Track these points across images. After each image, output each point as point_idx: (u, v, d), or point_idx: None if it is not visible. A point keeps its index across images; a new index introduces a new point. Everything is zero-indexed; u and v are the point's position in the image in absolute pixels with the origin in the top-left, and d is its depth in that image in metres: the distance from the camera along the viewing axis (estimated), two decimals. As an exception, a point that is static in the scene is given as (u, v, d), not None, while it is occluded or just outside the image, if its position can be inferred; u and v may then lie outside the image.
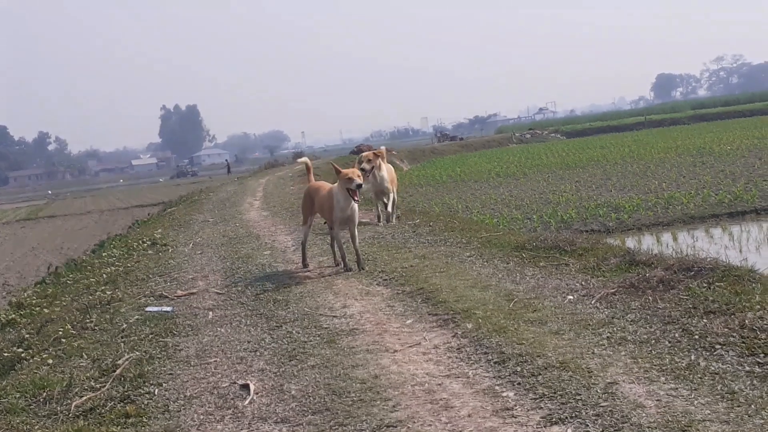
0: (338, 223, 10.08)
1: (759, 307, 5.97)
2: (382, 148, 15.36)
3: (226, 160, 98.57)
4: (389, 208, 14.43)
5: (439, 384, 5.46)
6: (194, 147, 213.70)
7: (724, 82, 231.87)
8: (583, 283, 7.90)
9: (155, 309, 9.10)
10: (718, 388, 4.73)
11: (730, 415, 4.35)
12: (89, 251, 18.70)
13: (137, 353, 7.15)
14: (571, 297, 7.38)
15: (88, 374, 6.71)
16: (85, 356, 7.35)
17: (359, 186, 9.77)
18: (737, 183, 19.26)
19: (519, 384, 5.23)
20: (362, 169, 10.79)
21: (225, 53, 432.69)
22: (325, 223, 10.67)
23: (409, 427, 4.79)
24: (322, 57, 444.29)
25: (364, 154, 12.76)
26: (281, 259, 11.82)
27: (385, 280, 9.26)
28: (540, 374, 5.32)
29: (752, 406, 4.41)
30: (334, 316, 7.77)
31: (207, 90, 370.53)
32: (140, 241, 15.54)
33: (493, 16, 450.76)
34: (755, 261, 9.64)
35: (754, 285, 6.70)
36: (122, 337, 7.89)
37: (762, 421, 4.24)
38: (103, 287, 10.82)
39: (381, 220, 14.51)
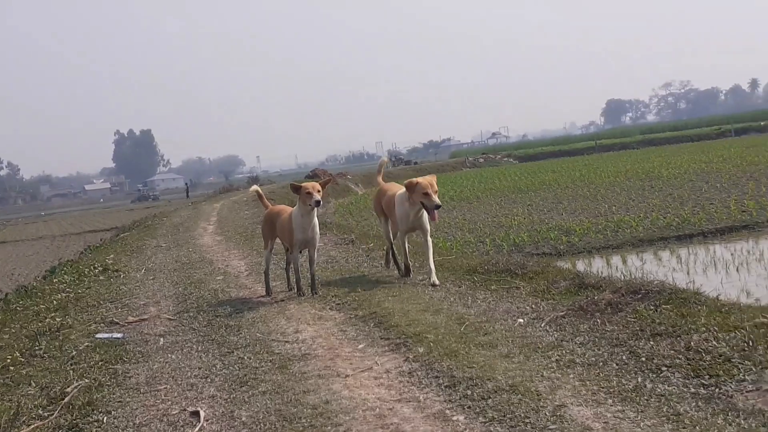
0: (298, 245, 10.06)
1: (704, 329, 6.08)
2: (384, 158, 13.98)
3: (186, 183, 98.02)
4: (431, 258, 10.24)
5: (390, 408, 5.47)
6: (148, 172, 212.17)
7: (672, 108, 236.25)
8: (533, 306, 7.99)
9: (105, 336, 9.00)
10: (664, 410, 4.81)
11: (675, 436, 4.43)
12: (40, 277, 18.42)
13: (86, 381, 7.05)
14: (521, 320, 7.46)
15: (36, 402, 6.60)
16: (34, 384, 7.23)
17: (318, 203, 9.69)
18: (685, 206, 19.58)
19: (469, 408, 5.26)
20: (318, 201, 9.69)
21: (180, 77, 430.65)
22: (287, 250, 10.53)
23: (360, 451, 4.79)
24: (277, 81, 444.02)
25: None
26: (234, 284, 11.77)
27: (338, 304, 9.27)
28: (490, 397, 5.36)
29: (697, 428, 4.49)
30: (287, 342, 7.75)
31: (162, 114, 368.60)
32: (92, 267, 15.37)
33: (446, 42, 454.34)
34: (702, 283, 9.81)
35: (699, 307, 6.82)
36: (71, 365, 7.78)
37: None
38: (53, 314, 10.69)
39: (402, 269, 10.84)
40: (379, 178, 11.77)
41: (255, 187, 12.07)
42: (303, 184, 9.93)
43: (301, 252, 10.26)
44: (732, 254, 13.62)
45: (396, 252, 11.15)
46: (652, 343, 6.07)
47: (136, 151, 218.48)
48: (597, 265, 13.72)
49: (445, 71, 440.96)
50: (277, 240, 10.66)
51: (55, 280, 14.85)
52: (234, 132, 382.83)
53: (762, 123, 79.83)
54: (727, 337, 5.78)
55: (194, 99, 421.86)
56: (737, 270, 12.37)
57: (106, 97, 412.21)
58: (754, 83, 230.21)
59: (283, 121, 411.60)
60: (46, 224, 66.59)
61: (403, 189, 10.08)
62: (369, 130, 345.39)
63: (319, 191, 9.71)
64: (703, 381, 5.17)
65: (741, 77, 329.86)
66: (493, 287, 9.24)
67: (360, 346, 7.26)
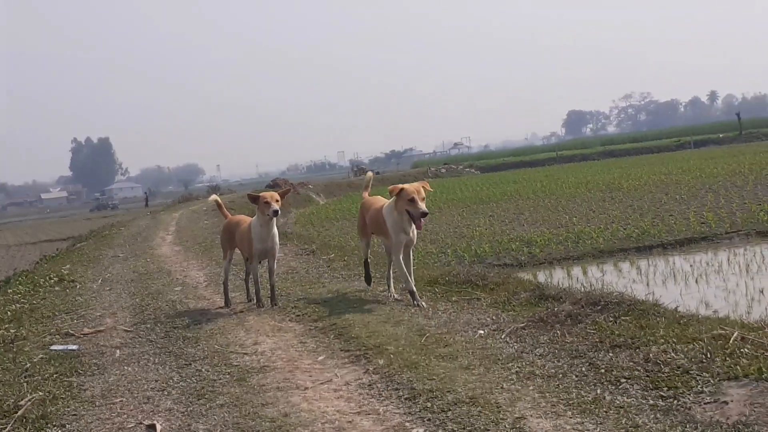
0: (257, 256, 9.96)
1: (663, 341, 6.10)
2: (370, 172, 12.28)
3: (145, 192, 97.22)
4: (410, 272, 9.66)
5: (350, 421, 5.42)
6: (106, 180, 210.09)
7: (633, 119, 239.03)
8: (493, 317, 7.98)
9: (60, 347, 8.84)
10: (623, 421, 4.80)
11: (634, 449, 4.42)
12: (-7, 288, 18.11)
13: (40, 393, 6.90)
14: (482, 332, 7.44)
15: (-13, 416, 6.46)
16: (-15, 397, 7.08)
17: (276, 212, 9.57)
18: (645, 218, 19.75)
19: (429, 420, 5.22)
20: (276, 211, 9.53)
21: (139, 84, 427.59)
22: (247, 259, 10.40)
23: (318, 466, 4.73)
24: (238, 89, 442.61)
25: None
26: (192, 295, 11.64)
27: (298, 315, 9.20)
28: (450, 410, 5.33)
29: (654, 439, 4.49)
30: (245, 354, 7.66)
31: (120, 122, 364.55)
32: (47, 278, 15.12)
33: (408, 52, 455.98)
34: (661, 295, 9.88)
35: (658, 319, 6.86)
36: (25, 377, 7.61)
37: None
38: (6, 325, 10.46)
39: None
40: (365, 194, 10.63)
41: (214, 196, 11.94)
42: (261, 194, 9.84)
43: (260, 262, 10.17)
44: (691, 266, 13.76)
45: (398, 274, 9.60)
46: (611, 354, 6.08)
47: (93, 160, 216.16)
48: (558, 276, 13.78)
49: (407, 81, 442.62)
50: (237, 250, 10.56)
51: (9, 291, 14.58)
52: (194, 140, 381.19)
53: (721, 135, 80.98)
54: (686, 349, 5.81)
55: (153, 107, 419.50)
56: (696, 281, 12.49)
57: (64, 104, 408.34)
58: (713, 96, 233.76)
59: (244, 130, 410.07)
60: (1, 233, 65.63)
61: (389, 201, 9.38)
62: (331, 139, 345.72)
63: (277, 201, 9.61)
64: (661, 393, 5.18)
65: (700, 90, 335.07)
66: (454, 299, 9.23)
67: (320, 358, 7.20)
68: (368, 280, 10.49)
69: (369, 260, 10.53)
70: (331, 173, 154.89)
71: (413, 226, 9.11)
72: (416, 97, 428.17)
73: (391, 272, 10.15)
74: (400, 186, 9.11)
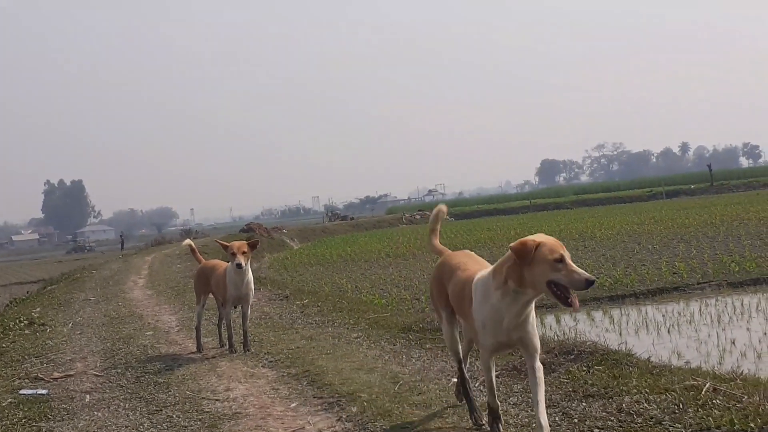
0: (231, 301, 9.92)
1: (636, 390, 6.12)
2: (442, 206, 6.87)
3: (121, 235, 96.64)
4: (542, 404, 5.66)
5: (322, 470, 5.37)
6: (79, 222, 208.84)
7: (605, 169, 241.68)
8: (467, 366, 7.95)
9: (30, 392, 8.72)
10: (597, 472, 4.80)
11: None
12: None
13: (7, 439, 6.82)
14: (455, 379, 7.42)
15: (-48, 462, 6.35)
16: (-50, 443, 6.96)
17: (239, 266, 9.51)
18: (617, 267, 19.85)
19: (402, 469, 5.19)
20: (239, 264, 9.45)
21: (112, 127, 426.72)
22: (221, 305, 10.31)
23: None
24: (211, 133, 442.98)
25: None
26: (164, 340, 11.55)
27: (271, 361, 9.15)
28: (423, 459, 5.30)
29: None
30: (217, 400, 7.59)
31: (93, 164, 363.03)
32: (17, 320, 14.93)
33: (381, 97, 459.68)
34: (633, 344, 9.91)
35: (631, 369, 6.87)
36: (-8, 422, 7.51)
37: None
38: (-26, 369, 10.33)
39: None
40: (436, 241, 6.75)
41: (188, 240, 11.90)
42: (229, 244, 9.82)
43: (234, 307, 10.12)
44: (663, 315, 13.81)
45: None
46: (584, 404, 6.09)
47: (66, 202, 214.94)
48: (531, 325, 13.78)
49: (383, 127, 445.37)
50: (210, 295, 10.52)
51: (-22, 333, 14.39)
52: (167, 184, 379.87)
53: (692, 186, 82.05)
54: (658, 400, 5.82)
55: (127, 150, 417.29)
56: (668, 331, 12.53)
57: (36, 146, 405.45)
58: (684, 147, 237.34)
59: (218, 174, 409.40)
60: (-29, 275, 64.82)
61: (488, 269, 5.52)
62: (305, 184, 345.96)
63: (244, 253, 9.57)
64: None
65: (672, 141, 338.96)
66: (428, 346, 9.21)
67: (292, 405, 7.14)
68: (465, 393, 6.30)
69: (462, 357, 6.47)
70: (306, 218, 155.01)
71: (532, 317, 5.52)
72: (391, 143, 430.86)
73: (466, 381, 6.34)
74: (537, 238, 5.16)
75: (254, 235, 45.63)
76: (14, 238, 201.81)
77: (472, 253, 6.35)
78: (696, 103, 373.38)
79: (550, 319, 14.50)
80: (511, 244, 5.11)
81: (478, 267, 5.78)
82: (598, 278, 17.87)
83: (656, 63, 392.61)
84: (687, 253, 21.45)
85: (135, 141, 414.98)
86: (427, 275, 21.55)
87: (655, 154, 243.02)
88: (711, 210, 39.78)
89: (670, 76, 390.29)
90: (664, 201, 68.73)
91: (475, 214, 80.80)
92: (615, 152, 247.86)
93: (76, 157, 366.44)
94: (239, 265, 9.50)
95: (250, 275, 9.87)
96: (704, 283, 16.72)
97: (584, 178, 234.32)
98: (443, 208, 6.77)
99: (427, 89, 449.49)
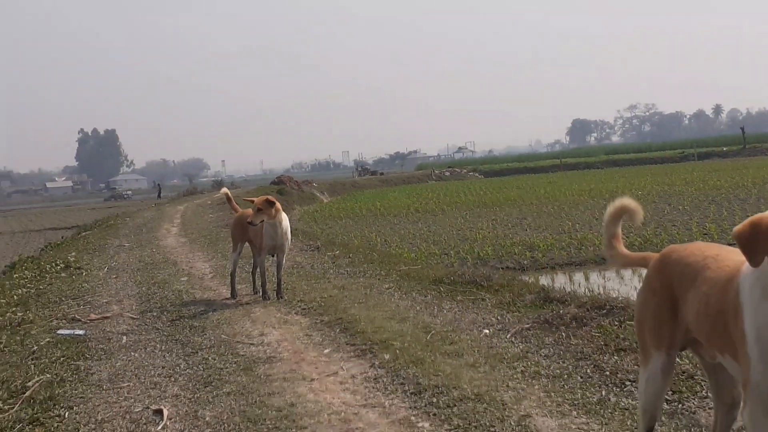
0: (266, 250, 10.07)
1: (667, 345, 6.15)
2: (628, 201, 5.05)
3: (158, 184, 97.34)
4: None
5: (356, 413, 5.48)
6: (112, 171, 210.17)
7: (637, 130, 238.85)
8: (498, 317, 8.04)
9: (67, 332, 8.91)
10: (628, 423, 4.86)
11: (638, 449, 4.47)
12: (-1, 272, 18.19)
13: (48, 376, 6.98)
14: (487, 331, 7.51)
15: (-5, 396, 6.53)
16: (-7, 377, 7.14)
17: (251, 223, 9.71)
18: (648, 227, 19.76)
19: (435, 415, 5.29)
20: (250, 222, 9.66)
21: (146, 78, 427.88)
22: (258, 252, 10.42)
23: (324, 455, 4.79)
24: (245, 86, 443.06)
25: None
26: (198, 286, 11.72)
27: (304, 309, 9.27)
28: (455, 405, 5.39)
29: (659, 441, 4.55)
30: (252, 344, 7.73)
31: (127, 114, 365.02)
32: (53, 264, 15.21)
33: (416, 56, 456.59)
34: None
35: (662, 324, 6.90)
36: (32, 359, 7.68)
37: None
38: (13, 308, 10.55)
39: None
40: (620, 246, 4.98)
41: (225, 189, 12.04)
42: (253, 199, 10.03)
43: (272, 256, 10.28)
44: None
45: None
46: (616, 357, 6.14)
47: (99, 150, 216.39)
48: (560, 281, 13.81)
49: (413, 84, 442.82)
50: (246, 244, 10.67)
51: (15, 276, 14.67)
52: (200, 135, 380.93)
53: (724, 148, 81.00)
54: (690, 355, 5.86)
55: (160, 100, 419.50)
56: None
57: (71, 94, 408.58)
58: (717, 109, 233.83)
59: (250, 127, 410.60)
60: (5, 220, 65.72)
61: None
62: (336, 139, 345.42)
63: (260, 210, 9.70)
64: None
65: (705, 103, 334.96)
66: (458, 298, 9.28)
67: (325, 351, 7.26)
68: None
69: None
70: (336, 172, 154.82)
71: None
72: (422, 100, 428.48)
73: None
74: None
75: (285, 187, 45.75)
76: (48, 185, 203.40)
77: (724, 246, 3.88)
78: (731, 65, 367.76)
79: (578, 276, 14.53)
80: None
81: (739, 257, 3.42)
82: (627, 238, 17.85)
83: (691, 23, 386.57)
84: (718, 215, 21.32)
85: (168, 92, 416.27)
86: (456, 231, 21.58)
87: (688, 116, 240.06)
88: (743, 172, 39.37)
89: (705, 37, 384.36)
90: (695, 163, 68.00)
91: (505, 172, 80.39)
92: (647, 113, 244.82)
93: (110, 107, 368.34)
94: (250, 223, 9.68)
95: (286, 225, 10.01)
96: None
97: (615, 139, 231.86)
98: (628, 203, 4.87)
99: (457, 45, 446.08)
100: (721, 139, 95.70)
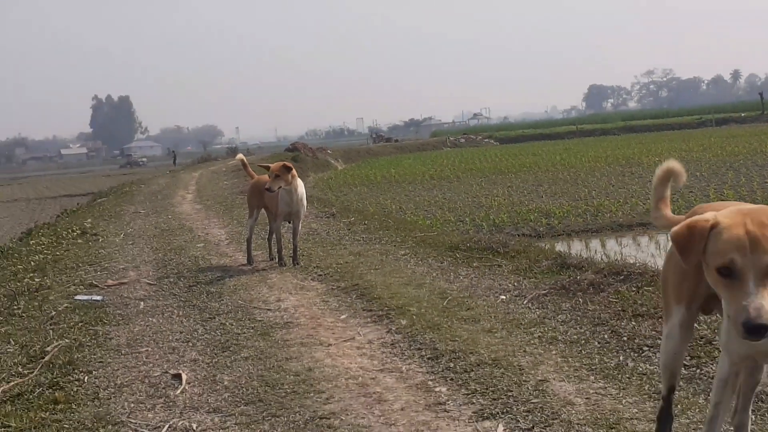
0: (282, 216, 10.09)
1: (685, 311, 6.12)
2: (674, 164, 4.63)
3: (173, 151, 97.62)
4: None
5: (373, 378, 5.50)
6: (126, 138, 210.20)
7: (654, 95, 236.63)
8: (515, 283, 8.03)
9: (85, 297, 8.97)
10: (646, 388, 4.86)
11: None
12: (16, 239, 18.29)
13: (66, 341, 7.03)
14: (503, 297, 7.51)
15: (15, 360, 6.58)
16: (13, 342, 7.19)
17: (269, 189, 9.71)
18: (664, 193, 19.69)
19: (452, 379, 5.30)
20: (268, 188, 9.70)
21: (160, 44, 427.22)
22: (274, 219, 10.43)
23: (342, 419, 4.81)
24: (258, 53, 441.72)
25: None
26: (215, 252, 11.76)
27: (320, 275, 9.30)
28: (473, 370, 5.40)
29: (678, 407, 4.54)
30: (269, 309, 7.77)
31: (140, 81, 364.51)
32: (70, 230, 15.30)
33: (429, 21, 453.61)
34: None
35: (680, 290, 6.88)
36: (51, 325, 7.75)
37: (687, 420, 4.38)
38: (31, 274, 10.63)
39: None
40: (667, 211, 4.71)
41: (240, 155, 12.04)
42: (269, 165, 10.04)
43: (288, 222, 10.30)
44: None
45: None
46: (633, 323, 6.13)
47: (113, 117, 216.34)
48: (576, 248, 13.79)
49: (428, 49, 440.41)
50: (262, 210, 10.69)
51: (32, 242, 14.76)
52: (213, 102, 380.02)
53: (743, 114, 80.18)
54: (708, 320, 5.84)
55: (174, 67, 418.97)
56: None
57: (85, 61, 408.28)
58: (736, 74, 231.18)
59: (263, 93, 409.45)
60: (21, 187, 66.07)
61: None
62: (350, 105, 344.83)
63: (278, 176, 9.71)
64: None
65: (723, 68, 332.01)
66: (475, 264, 9.28)
67: (342, 317, 7.28)
68: None
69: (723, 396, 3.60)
70: (350, 139, 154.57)
71: None
72: (436, 66, 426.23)
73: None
74: None
75: (299, 154, 45.68)
76: (63, 151, 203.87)
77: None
78: (748, 30, 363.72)
79: (595, 242, 14.50)
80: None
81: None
82: (643, 204, 17.78)
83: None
84: (735, 181, 21.20)
85: (181, 58, 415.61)
86: (472, 198, 21.56)
87: (706, 82, 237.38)
88: (761, 138, 38.98)
89: (723, 1, 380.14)
90: (713, 129, 67.43)
91: (521, 138, 79.91)
92: (665, 79, 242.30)
93: (124, 73, 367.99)
94: (269, 189, 9.69)
95: (301, 191, 10.01)
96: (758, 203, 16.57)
97: (632, 105, 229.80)
98: (675, 165, 4.62)
99: (471, 8, 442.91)
100: (739, 105, 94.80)
